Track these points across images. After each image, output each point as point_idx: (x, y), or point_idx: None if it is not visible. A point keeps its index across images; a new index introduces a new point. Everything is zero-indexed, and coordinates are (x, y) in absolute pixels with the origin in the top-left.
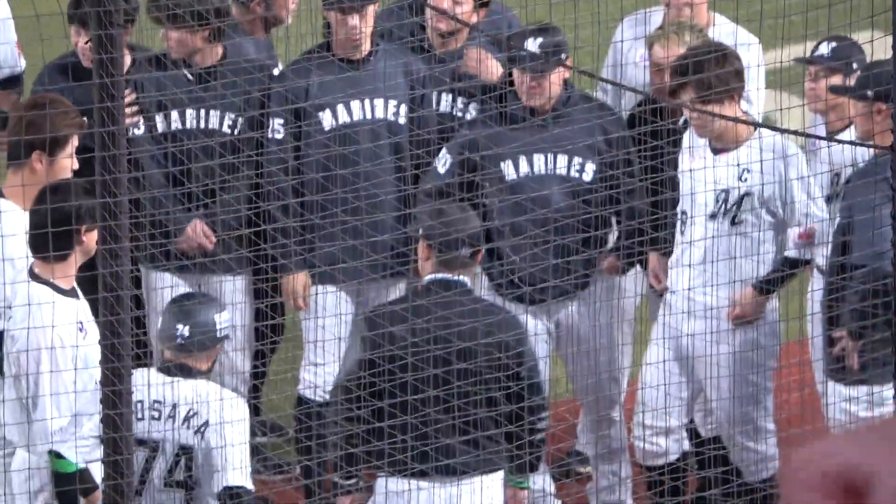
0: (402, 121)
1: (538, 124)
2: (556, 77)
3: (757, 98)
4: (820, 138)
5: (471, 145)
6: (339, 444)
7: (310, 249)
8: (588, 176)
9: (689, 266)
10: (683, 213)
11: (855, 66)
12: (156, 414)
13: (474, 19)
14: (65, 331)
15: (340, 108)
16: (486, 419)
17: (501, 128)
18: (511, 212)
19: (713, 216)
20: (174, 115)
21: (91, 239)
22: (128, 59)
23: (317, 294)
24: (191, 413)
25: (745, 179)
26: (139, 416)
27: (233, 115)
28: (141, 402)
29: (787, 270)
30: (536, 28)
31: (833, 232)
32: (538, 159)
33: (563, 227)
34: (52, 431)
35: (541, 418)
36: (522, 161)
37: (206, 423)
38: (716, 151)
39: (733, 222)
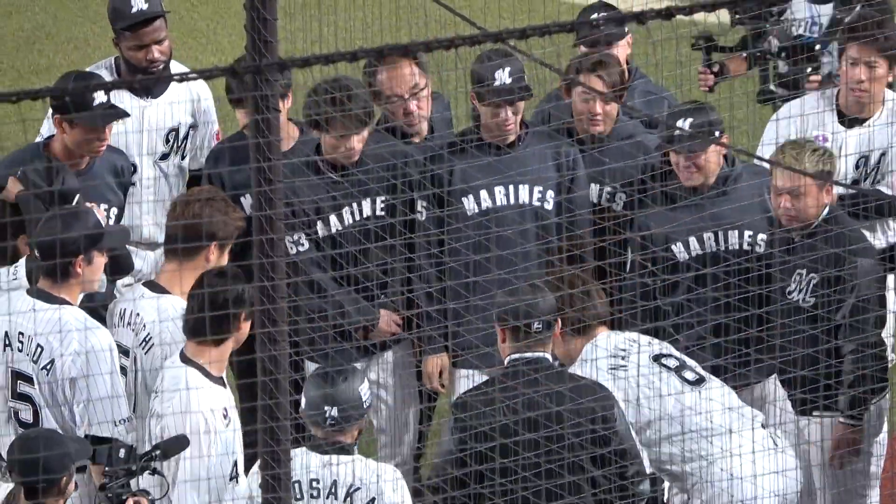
0: (548, 206)
1: (697, 203)
2: (713, 155)
3: None
4: None
5: (642, 227)
6: None
7: (453, 334)
8: (760, 248)
9: None
10: None
11: None
12: (314, 493)
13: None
14: (211, 416)
15: (483, 193)
16: (583, 487)
17: (662, 208)
18: (680, 291)
19: None
20: (332, 218)
21: (246, 327)
22: (295, 132)
23: (461, 377)
24: (352, 489)
25: None
26: (297, 496)
27: (383, 198)
28: (298, 482)
29: None
30: (689, 107)
31: None
32: (708, 238)
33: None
34: None
35: (638, 482)
36: (692, 240)
37: (373, 500)
38: None
39: None
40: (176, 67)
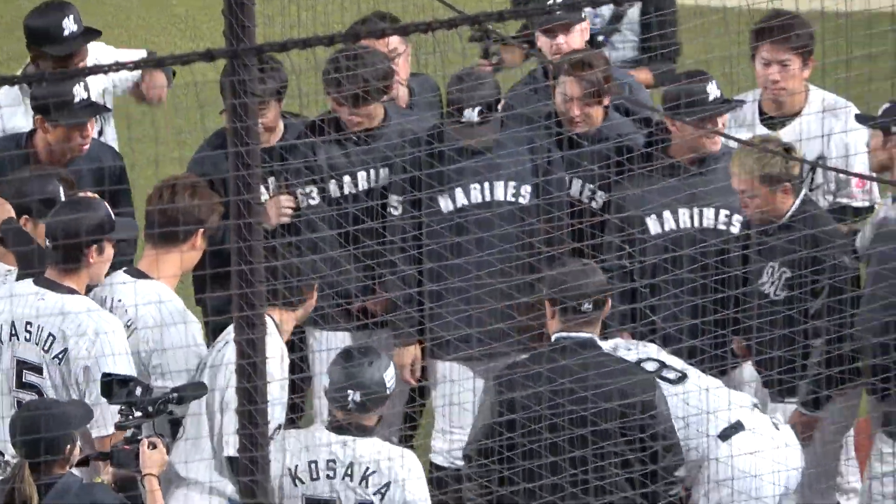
0: (523, 201)
1: (683, 179)
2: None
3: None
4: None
5: (619, 206)
6: None
7: (429, 322)
8: (735, 228)
9: None
10: None
11: None
12: (331, 473)
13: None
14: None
15: (459, 192)
16: (618, 476)
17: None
18: (654, 268)
19: None
20: (346, 179)
21: (312, 301)
22: (281, 127)
23: (436, 366)
24: (368, 472)
25: None
26: (314, 475)
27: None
28: (315, 461)
29: None
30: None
31: None
32: (683, 214)
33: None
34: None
35: (673, 467)
36: (667, 214)
37: (388, 485)
38: None
39: None
40: (96, 49)
